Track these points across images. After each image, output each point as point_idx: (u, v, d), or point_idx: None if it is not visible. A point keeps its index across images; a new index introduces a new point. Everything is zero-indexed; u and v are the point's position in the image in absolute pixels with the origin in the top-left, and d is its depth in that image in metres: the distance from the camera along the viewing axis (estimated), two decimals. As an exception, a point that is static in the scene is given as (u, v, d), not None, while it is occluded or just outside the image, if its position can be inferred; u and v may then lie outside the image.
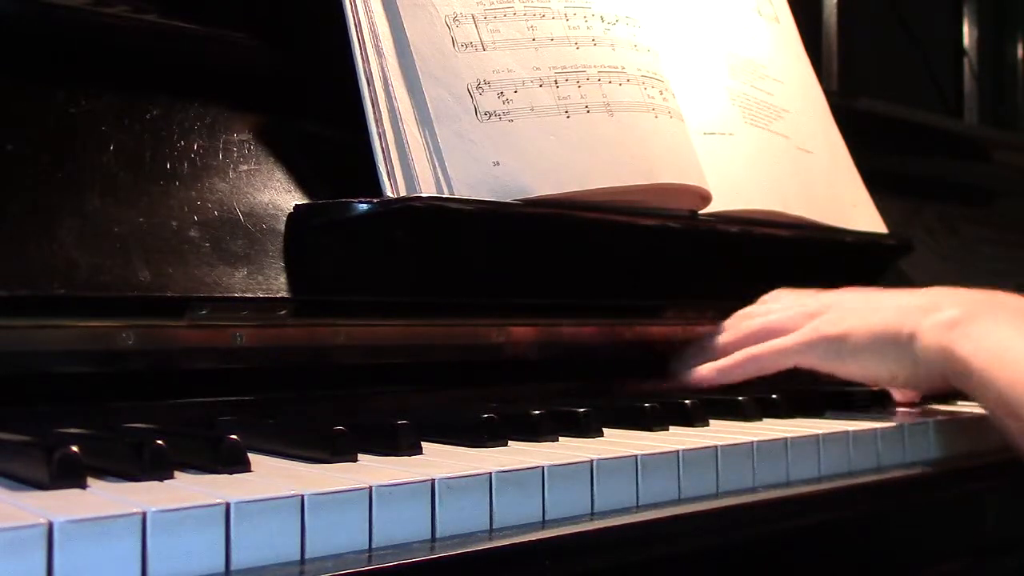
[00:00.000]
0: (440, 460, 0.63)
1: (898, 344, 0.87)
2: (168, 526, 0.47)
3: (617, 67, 0.94)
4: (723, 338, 0.99)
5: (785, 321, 0.95)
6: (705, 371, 0.96)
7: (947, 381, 0.85)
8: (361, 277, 0.84)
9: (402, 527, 0.55)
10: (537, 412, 0.73)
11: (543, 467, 0.61)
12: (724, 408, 0.87)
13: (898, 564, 0.82)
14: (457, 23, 0.89)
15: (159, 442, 0.56)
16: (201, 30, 0.89)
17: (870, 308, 0.91)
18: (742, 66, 1.14)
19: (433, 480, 0.56)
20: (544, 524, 0.60)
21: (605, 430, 0.76)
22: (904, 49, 1.97)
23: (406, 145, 0.84)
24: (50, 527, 0.45)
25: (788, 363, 0.93)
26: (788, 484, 0.75)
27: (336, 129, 0.89)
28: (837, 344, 0.90)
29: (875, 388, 0.97)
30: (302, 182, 0.85)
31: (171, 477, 0.55)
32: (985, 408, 0.82)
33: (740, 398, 0.87)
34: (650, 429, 0.78)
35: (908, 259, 1.28)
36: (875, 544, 0.79)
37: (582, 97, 0.91)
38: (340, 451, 0.62)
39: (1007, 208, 1.72)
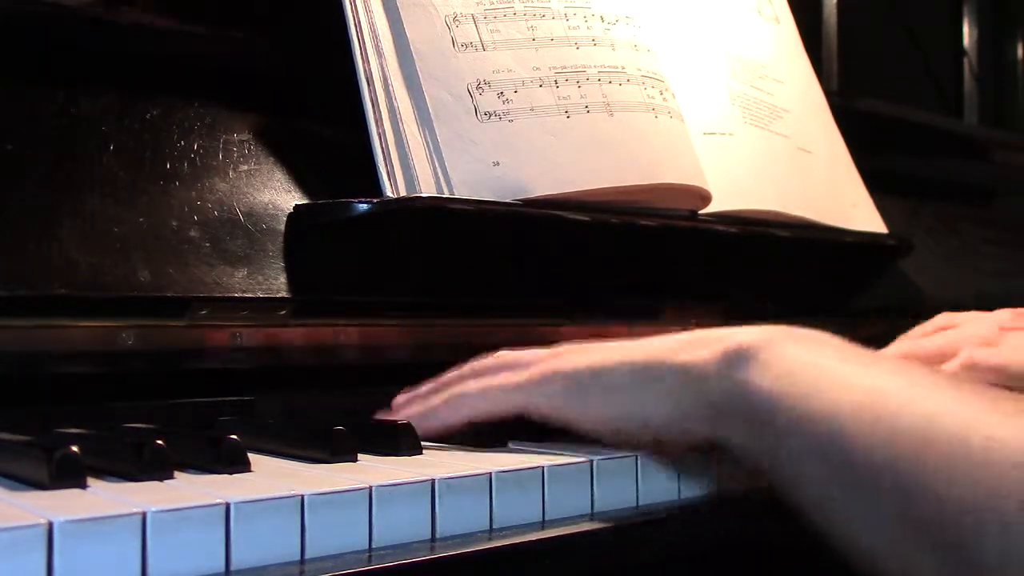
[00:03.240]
0: (440, 460, 0.63)
1: (665, 376, 0.66)
2: (168, 526, 0.47)
3: (617, 67, 0.94)
4: (448, 375, 0.76)
5: (526, 356, 0.74)
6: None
7: (715, 432, 0.64)
8: (361, 277, 0.84)
9: (402, 527, 0.54)
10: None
11: (543, 467, 0.61)
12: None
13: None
14: (457, 23, 0.89)
15: (159, 442, 0.56)
16: (201, 30, 0.89)
17: (631, 344, 0.70)
18: (742, 66, 1.14)
19: (433, 480, 0.56)
20: (544, 524, 0.60)
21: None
22: (904, 49, 1.97)
23: (406, 145, 0.84)
24: (50, 527, 0.45)
25: (508, 406, 0.71)
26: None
27: (336, 129, 0.89)
28: (580, 379, 0.69)
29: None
30: (302, 182, 0.85)
31: (171, 477, 0.55)
32: (775, 462, 0.60)
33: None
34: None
35: (908, 259, 1.28)
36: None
37: (582, 97, 0.91)
38: (340, 451, 0.62)
39: (1007, 208, 1.72)
